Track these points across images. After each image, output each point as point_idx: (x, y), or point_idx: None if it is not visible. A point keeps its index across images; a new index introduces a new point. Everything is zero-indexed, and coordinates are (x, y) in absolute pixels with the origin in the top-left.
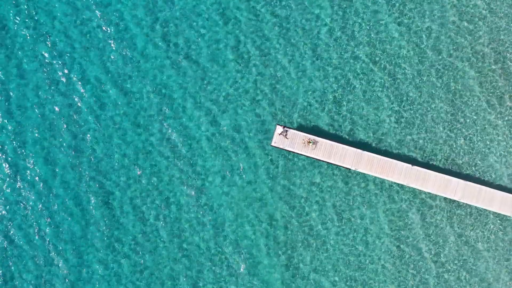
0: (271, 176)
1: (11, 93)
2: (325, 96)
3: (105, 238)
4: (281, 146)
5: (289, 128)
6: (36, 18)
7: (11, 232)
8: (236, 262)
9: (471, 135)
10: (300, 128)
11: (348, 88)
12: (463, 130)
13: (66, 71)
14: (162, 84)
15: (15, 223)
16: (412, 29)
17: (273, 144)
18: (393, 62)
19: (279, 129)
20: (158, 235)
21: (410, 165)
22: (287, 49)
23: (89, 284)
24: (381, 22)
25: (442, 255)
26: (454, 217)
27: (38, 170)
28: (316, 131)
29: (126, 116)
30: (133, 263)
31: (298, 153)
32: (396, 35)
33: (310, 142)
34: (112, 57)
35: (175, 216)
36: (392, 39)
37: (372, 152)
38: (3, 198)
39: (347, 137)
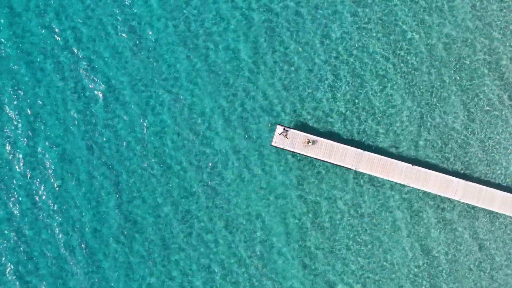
0: (282, 173)
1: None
2: (326, 96)
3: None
4: (281, 146)
5: (289, 128)
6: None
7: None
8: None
9: (473, 134)
10: (300, 128)
11: (350, 88)
12: (466, 128)
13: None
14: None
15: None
16: (422, 27)
17: (273, 144)
18: (398, 60)
19: (280, 129)
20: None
21: (410, 165)
22: (291, 47)
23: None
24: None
25: (455, 254)
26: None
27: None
28: (316, 131)
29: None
30: (143, 254)
31: (298, 153)
32: (406, 29)
33: (309, 142)
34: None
35: (186, 208)
36: (402, 34)
37: (372, 152)
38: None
39: (348, 137)
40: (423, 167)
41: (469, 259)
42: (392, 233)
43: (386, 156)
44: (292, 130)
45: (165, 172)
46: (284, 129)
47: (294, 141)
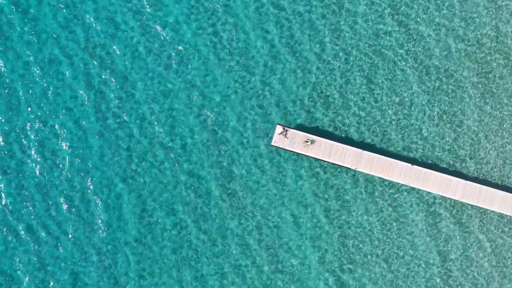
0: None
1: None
2: (326, 95)
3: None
4: (281, 146)
5: (289, 128)
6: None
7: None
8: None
9: (482, 131)
10: (300, 128)
11: (350, 87)
12: (464, 127)
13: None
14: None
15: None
16: (434, 24)
17: (273, 143)
18: (408, 57)
19: (279, 129)
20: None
21: (410, 165)
22: (290, 45)
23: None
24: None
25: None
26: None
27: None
28: (316, 131)
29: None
30: (155, 250)
31: (298, 153)
32: (417, 25)
33: (307, 142)
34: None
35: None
36: (412, 30)
37: (372, 152)
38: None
39: (347, 136)
40: (423, 166)
41: (479, 258)
42: (405, 231)
43: (386, 155)
44: (291, 130)
45: (174, 169)
46: (284, 128)
47: (294, 141)
